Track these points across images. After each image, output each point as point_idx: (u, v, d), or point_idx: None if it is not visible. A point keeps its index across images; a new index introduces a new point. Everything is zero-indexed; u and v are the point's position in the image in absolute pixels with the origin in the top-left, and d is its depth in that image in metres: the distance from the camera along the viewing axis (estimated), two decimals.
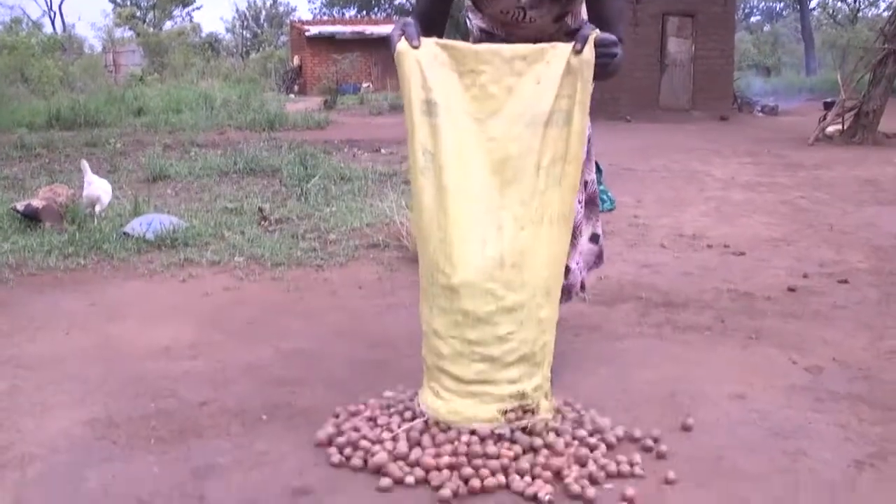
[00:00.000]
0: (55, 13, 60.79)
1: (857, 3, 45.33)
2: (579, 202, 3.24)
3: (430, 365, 2.73)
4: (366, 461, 2.56)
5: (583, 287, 3.66)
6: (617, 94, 16.65)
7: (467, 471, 2.47)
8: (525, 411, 2.64)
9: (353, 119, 17.13)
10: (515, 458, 2.52)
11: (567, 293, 3.21)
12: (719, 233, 6.07)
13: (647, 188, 8.17)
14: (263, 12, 50.78)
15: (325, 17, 40.90)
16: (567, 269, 3.04)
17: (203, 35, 43.76)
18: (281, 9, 51.32)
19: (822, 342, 3.72)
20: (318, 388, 3.18)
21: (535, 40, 2.85)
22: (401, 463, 2.53)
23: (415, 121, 2.70)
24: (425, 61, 2.70)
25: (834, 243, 5.71)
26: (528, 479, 2.46)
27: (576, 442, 2.65)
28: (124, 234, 5.68)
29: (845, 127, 12.78)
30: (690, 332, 3.88)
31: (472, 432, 2.60)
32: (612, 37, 2.68)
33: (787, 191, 8.06)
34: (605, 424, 2.77)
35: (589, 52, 2.64)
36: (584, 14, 3.07)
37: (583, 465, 2.54)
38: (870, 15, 42.73)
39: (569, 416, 2.80)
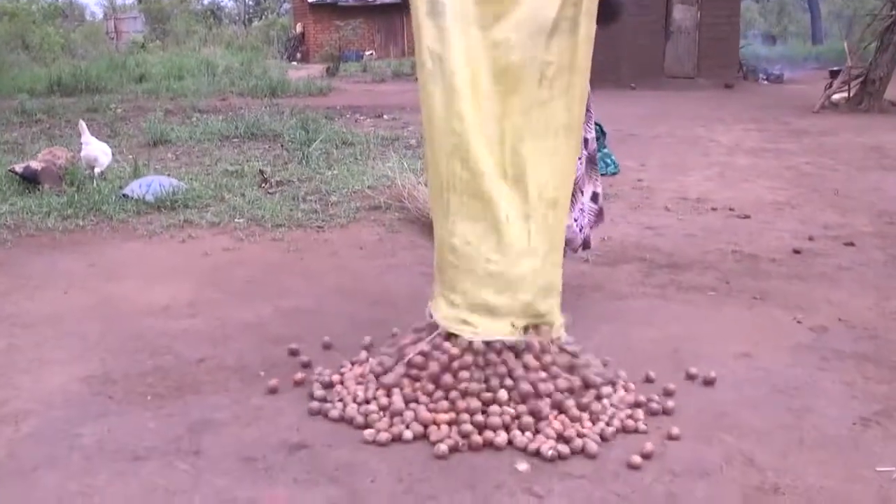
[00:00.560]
0: None
1: None
2: (580, 159, 3.19)
3: (444, 277, 2.70)
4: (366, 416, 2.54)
5: (588, 245, 3.62)
6: (621, 62, 16.46)
7: (466, 427, 2.45)
8: (536, 327, 2.65)
9: (355, 86, 16.99)
10: (518, 416, 2.49)
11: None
12: (723, 196, 6.00)
13: (652, 153, 8.08)
14: None
15: None
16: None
17: (205, 2, 43.34)
18: None
19: (828, 303, 3.68)
20: (318, 345, 3.15)
21: None
22: (397, 418, 2.51)
23: (420, 22, 2.66)
24: None
25: (839, 207, 5.65)
26: (529, 434, 2.44)
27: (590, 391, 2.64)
28: (123, 195, 5.62)
29: (851, 94, 12.64)
30: (694, 292, 3.84)
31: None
32: None
33: (791, 157, 7.97)
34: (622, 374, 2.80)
35: None
36: None
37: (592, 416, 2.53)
38: None
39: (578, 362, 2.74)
